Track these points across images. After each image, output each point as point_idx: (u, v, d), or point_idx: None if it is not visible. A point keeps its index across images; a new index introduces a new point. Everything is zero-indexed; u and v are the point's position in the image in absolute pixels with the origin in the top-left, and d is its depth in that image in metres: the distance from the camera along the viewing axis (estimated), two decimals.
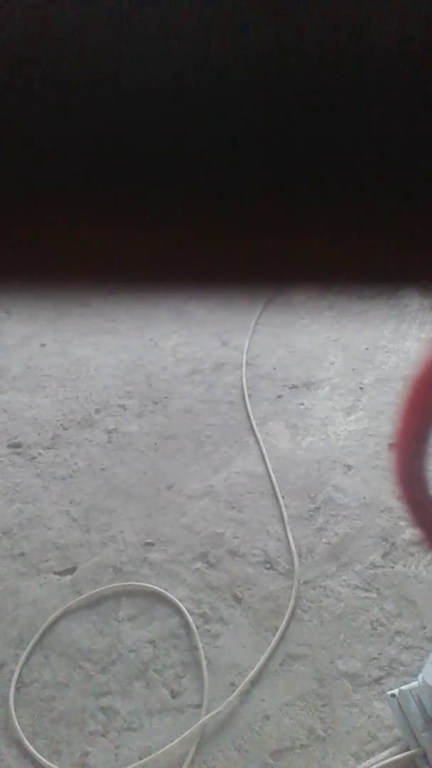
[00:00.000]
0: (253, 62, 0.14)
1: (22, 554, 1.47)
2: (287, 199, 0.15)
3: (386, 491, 1.55)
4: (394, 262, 0.16)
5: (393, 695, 1.06)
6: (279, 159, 0.14)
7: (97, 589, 1.38)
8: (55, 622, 1.33)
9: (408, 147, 0.14)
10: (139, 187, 0.15)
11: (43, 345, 2.17)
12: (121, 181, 0.15)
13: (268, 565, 1.41)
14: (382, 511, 1.51)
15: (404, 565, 1.39)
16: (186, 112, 0.14)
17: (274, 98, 0.14)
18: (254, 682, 1.21)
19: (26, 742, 1.15)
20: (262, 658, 1.23)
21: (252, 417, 1.80)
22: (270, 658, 1.24)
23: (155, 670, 1.24)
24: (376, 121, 0.14)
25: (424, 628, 1.27)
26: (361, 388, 1.90)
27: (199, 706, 1.18)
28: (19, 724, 1.17)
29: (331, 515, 1.51)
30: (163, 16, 0.14)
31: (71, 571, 1.43)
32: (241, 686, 1.19)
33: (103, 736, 1.16)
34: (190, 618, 1.31)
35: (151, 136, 0.14)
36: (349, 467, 1.64)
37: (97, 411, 1.88)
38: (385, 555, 1.41)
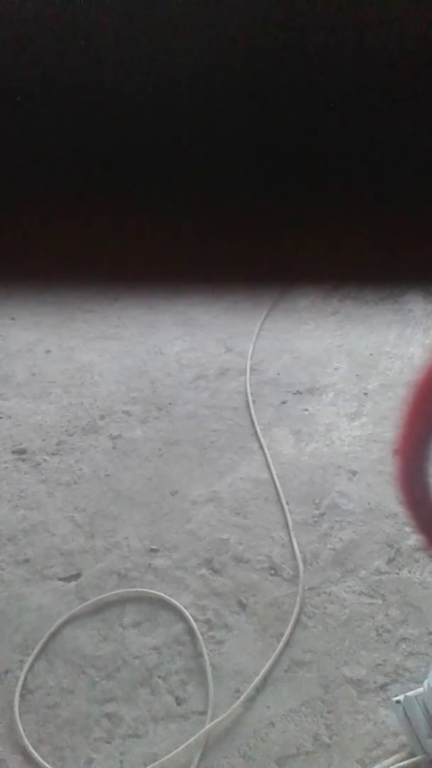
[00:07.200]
0: (254, 64, 0.14)
1: (26, 560, 1.47)
2: (291, 203, 0.15)
3: (391, 497, 1.55)
4: (398, 266, 0.16)
5: (398, 702, 1.06)
6: (282, 162, 0.14)
7: (102, 596, 1.38)
8: (59, 628, 1.33)
9: (411, 149, 0.14)
10: (142, 192, 0.15)
11: (47, 351, 2.17)
12: (124, 187, 0.15)
13: (273, 572, 1.41)
14: (387, 516, 1.51)
15: (409, 571, 1.38)
16: (188, 114, 0.14)
17: (276, 100, 0.14)
18: (259, 689, 1.21)
19: (31, 749, 1.14)
20: (267, 665, 1.23)
21: (256, 423, 1.80)
22: (275, 664, 1.24)
23: (160, 677, 1.24)
24: (379, 122, 0.14)
25: (430, 634, 1.27)
26: (365, 394, 1.89)
27: (203, 712, 1.18)
28: (24, 731, 1.17)
29: (336, 521, 1.51)
30: (165, 18, 0.14)
31: (76, 577, 1.43)
32: (246, 693, 1.19)
33: (108, 742, 1.15)
34: (194, 624, 1.31)
35: (153, 140, 0.14)
36: (353, 473, 1.64)
37: (102, 417, 1.88)
38: (390, 561, 1.41)
